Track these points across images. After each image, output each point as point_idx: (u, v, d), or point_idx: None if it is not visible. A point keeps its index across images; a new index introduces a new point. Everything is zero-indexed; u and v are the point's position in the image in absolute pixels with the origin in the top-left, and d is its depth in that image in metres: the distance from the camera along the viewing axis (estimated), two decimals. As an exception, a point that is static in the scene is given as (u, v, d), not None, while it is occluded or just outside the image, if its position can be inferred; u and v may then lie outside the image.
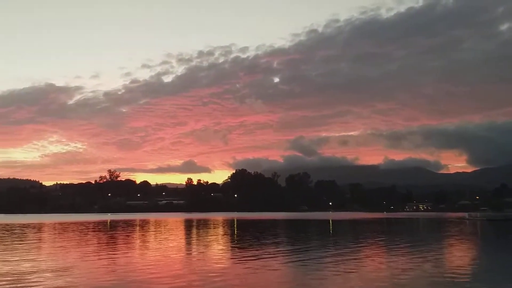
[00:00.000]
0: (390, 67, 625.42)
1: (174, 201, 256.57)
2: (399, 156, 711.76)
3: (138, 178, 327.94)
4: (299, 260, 21.97)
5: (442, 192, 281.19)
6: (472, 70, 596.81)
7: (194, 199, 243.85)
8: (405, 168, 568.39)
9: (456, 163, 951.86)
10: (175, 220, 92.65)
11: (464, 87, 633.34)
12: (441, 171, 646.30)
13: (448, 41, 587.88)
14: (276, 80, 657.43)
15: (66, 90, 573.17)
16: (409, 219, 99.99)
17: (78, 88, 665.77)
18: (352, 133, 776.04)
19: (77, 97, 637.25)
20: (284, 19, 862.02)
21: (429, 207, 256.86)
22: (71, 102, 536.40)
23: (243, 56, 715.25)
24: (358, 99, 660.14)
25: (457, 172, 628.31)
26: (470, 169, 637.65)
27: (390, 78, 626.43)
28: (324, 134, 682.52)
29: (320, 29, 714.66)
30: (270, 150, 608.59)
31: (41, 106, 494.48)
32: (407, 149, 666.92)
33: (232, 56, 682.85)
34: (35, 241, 35.33)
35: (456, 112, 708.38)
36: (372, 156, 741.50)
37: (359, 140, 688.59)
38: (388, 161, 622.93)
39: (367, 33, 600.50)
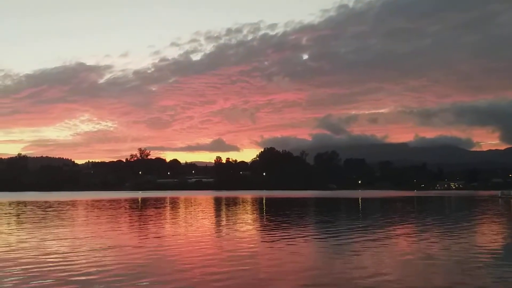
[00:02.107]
0: (422, 43, 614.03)
1: (203, 179, 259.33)
2: (430, 133, 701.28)
3: (168, 156, 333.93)
4: (329, 238, 21.95)
5: (474, 170, 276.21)
6: (508, 45, 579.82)
7: (223, 177, 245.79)
8: (436, 145, 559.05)
9: (488, 140, 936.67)
10: (204, 198, 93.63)
11: (499, 63, 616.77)
12: (473, 149, 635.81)
13: (483, 15, 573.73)
14: (305, 57, 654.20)
15: (96, 69, 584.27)
16: (440, 198, 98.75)
17: (108, 67, 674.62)
18: (382, 110, 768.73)
19: (107, 76, 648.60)
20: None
21: (460, 185, 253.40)
22: (101, 81, 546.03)
23: (272, 33, 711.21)
24: (389, 76, 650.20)
25: (490, 150, 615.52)
26: (503, 146, 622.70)
27: (422, 54, 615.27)
28: (353, 112, 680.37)
29: (350, 4, 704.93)
30: (298, 128, 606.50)
31: (72, 85, 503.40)
32: (439, 127, 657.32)
33: (260, 33, 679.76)
34: (73, 219, 36.16)
35: (491, 88, 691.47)
36: (402, 134, 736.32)
37: (389, 118, 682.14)
38: (419, 139, 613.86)
39: (399, 8, 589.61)
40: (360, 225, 29.22)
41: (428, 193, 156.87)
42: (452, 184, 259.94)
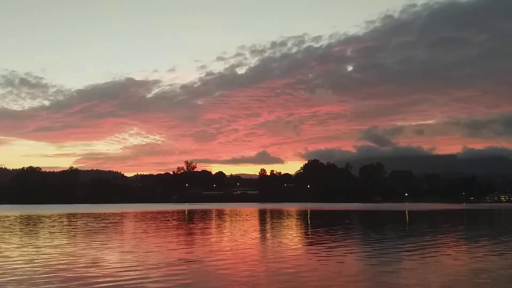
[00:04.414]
0: (470, 53, 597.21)
1: (248, 192, 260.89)
2: (478, 145, 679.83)
3: (214, 169, 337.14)
4: (376, 252, 22.17)
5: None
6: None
7: (267, 189, 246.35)
8: (485, 157, 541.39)
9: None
10: (249, 210, 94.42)
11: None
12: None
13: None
14: (350, 68, 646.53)
15: (145, 84, 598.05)
16: (490, 211, 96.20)
17: (156, 82, 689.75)
18: (429, 121, 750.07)
19: (155, 90, 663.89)
20: (358, 6, 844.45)
21: (511, 198, 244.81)
22: (149, 95, 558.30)
23: (316, 45, 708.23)
24: (435, 86, 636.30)
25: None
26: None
27: (469, 64, 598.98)
28: (399, 123, 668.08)
29: (396, 15, 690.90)
30: (343, 140, 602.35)
31: (122, 100, 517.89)
32: (488, 138, 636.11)
33: (305, 45, 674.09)
34: (128, 232, 37.65)
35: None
36: (450, 146, 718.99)
37: (436, 129, 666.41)
38: (467, 151, 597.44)
39: (445, 17, 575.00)
40: (408, 239, 29.07)
41: (477, 206, 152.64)
42: (502, 197, 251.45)
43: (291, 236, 30.93)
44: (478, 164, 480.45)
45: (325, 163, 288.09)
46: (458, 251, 22.46)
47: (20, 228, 38.74)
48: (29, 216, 64.34)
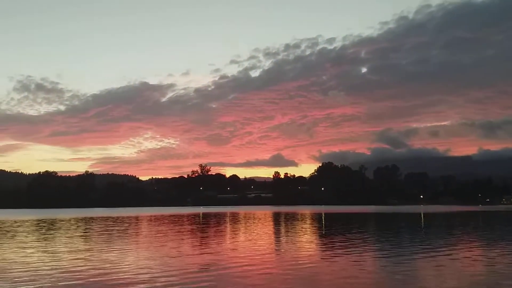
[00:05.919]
0: (485, 53, 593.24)
1: (262, 194, 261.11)
2: (494, 146, 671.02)
3: (228, 172, 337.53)
4: (391, 254, 22.30)
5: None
6: None
7: (281, 192, 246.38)
8: (501, 159, 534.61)
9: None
10: (264, 213, 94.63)
11: None
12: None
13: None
14: (364, 70, 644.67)
15: (159, 88, 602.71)
16: (507, 213, 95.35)
17: (170, 86, 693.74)
18: (444, 123, 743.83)
19: (170, 94, 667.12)
20: (372, 7, 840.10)
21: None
22: (164, 99, 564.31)
23: (330, 47, 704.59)
24: (451, 87, 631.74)
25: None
26: None
27: (486, 65, 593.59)
28: (414, 125, 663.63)
29: (410, 16, 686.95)
30: (357, 142, 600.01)
31: (136, 104, 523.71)
32: (504, 139, 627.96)
33: (318, 47, 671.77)
34: (149, 236, 37.97)
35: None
36: (466, 147, 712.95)
37: (451, 130, 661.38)
38: (483, 152, 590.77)
39: (461, 17, 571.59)
40: (425, 242, 29.01)
41: (494, 208, 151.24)
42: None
43: (307, 241, 30.84)
44: (493, 165, 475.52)
45: (339, 165, 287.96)
46: (475, 254, 22.40)
47: (38, 233, 39.09)
48: (46, 220, 65.09)
